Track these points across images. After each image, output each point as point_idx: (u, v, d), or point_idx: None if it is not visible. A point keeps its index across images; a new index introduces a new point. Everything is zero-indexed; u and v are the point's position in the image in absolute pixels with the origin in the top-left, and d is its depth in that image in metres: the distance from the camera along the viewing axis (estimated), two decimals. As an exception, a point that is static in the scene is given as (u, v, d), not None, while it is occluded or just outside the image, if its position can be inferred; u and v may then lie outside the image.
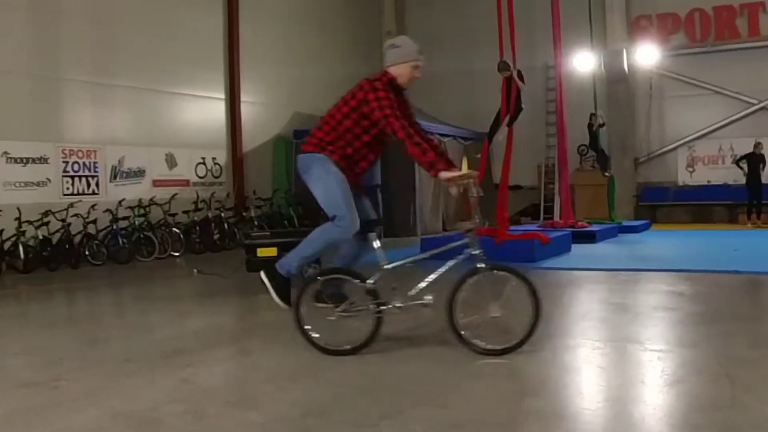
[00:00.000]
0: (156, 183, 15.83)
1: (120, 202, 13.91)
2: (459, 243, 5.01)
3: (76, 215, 13.18)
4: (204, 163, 17.11)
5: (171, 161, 16.38)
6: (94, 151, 14.43)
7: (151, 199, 14.61)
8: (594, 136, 16.84)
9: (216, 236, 15.02)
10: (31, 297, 10.02)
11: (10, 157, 13.25)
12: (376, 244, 5.10)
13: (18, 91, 13.44)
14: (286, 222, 16.81)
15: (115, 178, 14.84)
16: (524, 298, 4.64)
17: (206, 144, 17.33)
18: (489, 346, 4.68)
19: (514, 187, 18.13)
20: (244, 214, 16.44)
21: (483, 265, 4.70)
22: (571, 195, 16.33)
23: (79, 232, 12.99)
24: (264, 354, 5.35)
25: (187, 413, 3.68)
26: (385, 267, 4.96)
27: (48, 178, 13.74)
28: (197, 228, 14.89)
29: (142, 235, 13.64)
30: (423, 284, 4.89)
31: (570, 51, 18.14)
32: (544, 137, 20.93)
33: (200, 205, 15.77)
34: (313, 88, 19.74)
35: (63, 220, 12.90)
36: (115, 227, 13.39)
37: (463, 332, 4.71)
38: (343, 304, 4.88)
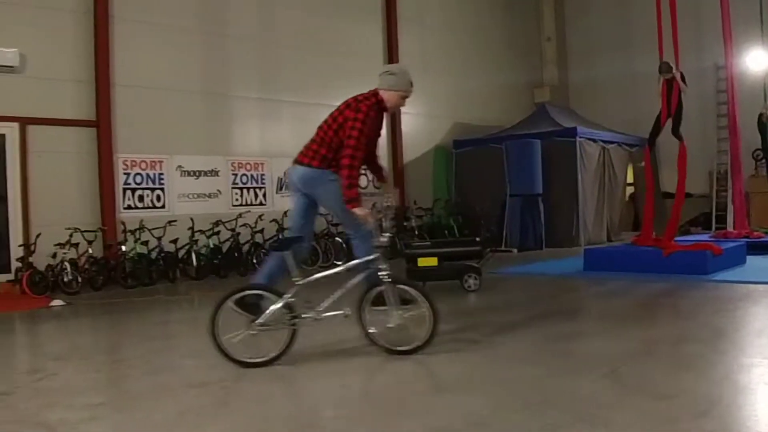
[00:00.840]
0: None
1: (285, 212, 13.83)
2: (367, 259, 5.44)
3: (244, 225, 13.56)
4: (365, 174, 16.15)
5: None
6: (261, 164, 14.81)
7: None
8: (763, 132, 15.70)
9: None
10: (202, 302, 10.11)
11: (184, 171, 13.87)
12: (290, 261, 5.20)
13: (192, 108, 14.08)
14: (446, 232, 16.58)
15: (280, 189, 15.17)
16: (424, 310, 5.09)
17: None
18: (395, 347, 5.21)
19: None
20: (405, 224, 16.31)
21: (386, 279, 5.14)
22: (745, 203, 15.51)
23: (247, 241, 13.32)
24: (424, 362, 5.21)
25: (346, 419, 3.71)
26: (299, 282, 5.12)
27: (219, 190, 14.29)
28: None
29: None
30: (333, 298, 5.19)
31: (741, 49, 17.07)
32: (715, 142, 19.64)
33: None
34: (472, 98, 19.77)
35: (232, 230, 13.33)
36: (281, 237, 13.50)
37: (370, 331, 5.31)
38: (260, 317, 5.03)
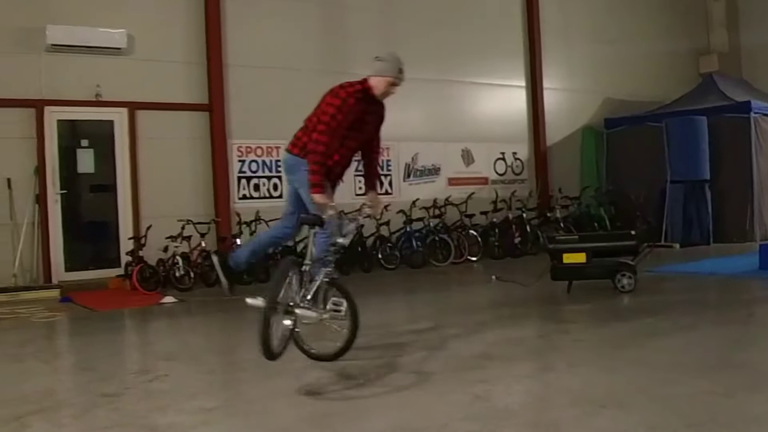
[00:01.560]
0: (451, 181, 15.73)
1: (414, 202, 13.80)
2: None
3: (368, 216, 12.66)
4: (503, 159, 16.97)
5: (467, 157, 16.16)
6: (387, 149, 14.24)
7: (446, 199, 14.37)
8: None
9: (517, 239, 14.56)
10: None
11: None
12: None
13: (311, 89, 12.69)
14: (596, 224, 15.96)
15: (408, 176, 14.83)
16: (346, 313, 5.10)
17: (506, 137, 16.92)
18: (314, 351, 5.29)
19: None
20: (548, 214, 16.09)
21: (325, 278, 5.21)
22: None
23: (371, 234, 12.90)
24: (569, 373, 5.11)
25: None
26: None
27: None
28: (496, 230, 14.50)
29: (437, 238, 13.39)
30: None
31: None
32: None
33: (499, 205, 15.39)
34: (625, 70, 19.01)
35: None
36: (409, 229, 13.28)
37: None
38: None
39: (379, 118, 6.35)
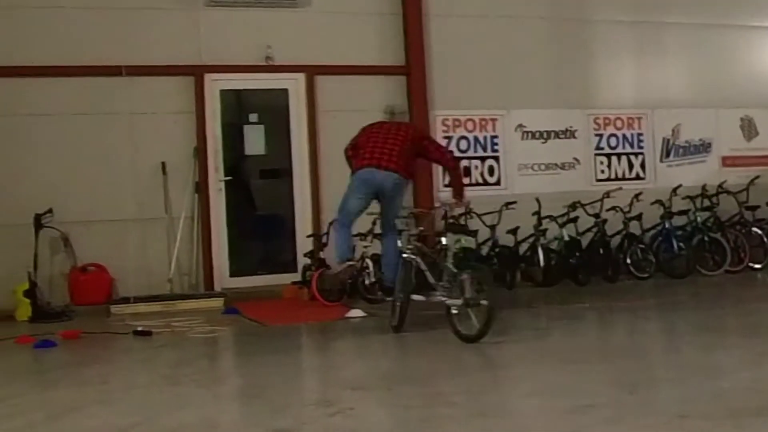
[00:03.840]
0: (726, 161, 13.15)
1: (675, 189, 11.57)
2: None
3: (613, 208, 11.03)
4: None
5: (749, 129, 13.30)
6: (638, 119, 12.27)
7: (719, 185, 12.10)
8: None
9: None
10: (552, 319, 8.80)
11: (527, 131, 11.71)
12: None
13: (536, 43, 11.92)
14: None
15: (667, 155, 12.53)
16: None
17: None
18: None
19: None
20: None
21: None
22: None
23: (617, 232, 10.86)
24: None
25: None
26: None
27: (576, 158, 11.86)
28: None
29: (706, 238, 11.22)
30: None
31: None
32: None
33: None
34: None
35: (596, 216, 10.86)
36: (668, 226, 11.15)
37: None
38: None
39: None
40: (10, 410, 4.80)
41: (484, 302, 6.49)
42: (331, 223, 9.85)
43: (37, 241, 9.17)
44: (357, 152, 7.92)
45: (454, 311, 6.75)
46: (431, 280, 7.27)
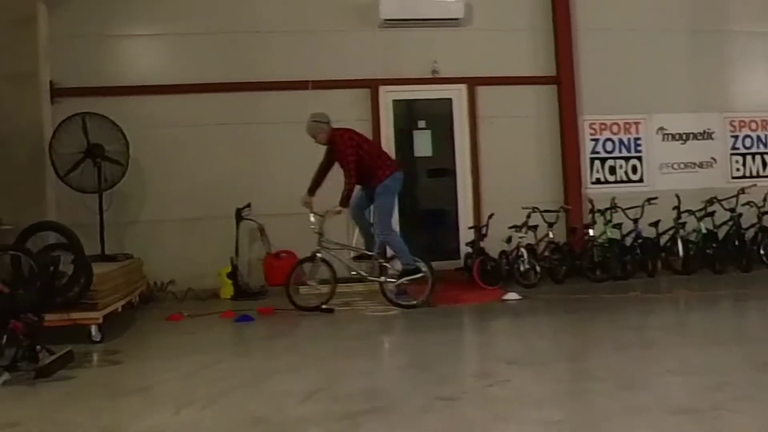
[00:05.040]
0: None
1: None
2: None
3: (748, 203, 11.36)
4: None
5: None
6: None
7: None
8: None
9: None
10: (690, 304, 9.05)
11: (667, 134, 11.96)
12: None
13: (676, 52, 12.21)
14: None
15: None
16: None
17: None
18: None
19: None
20: None
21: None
22: None
23: (751, 225, 11.06)
24: None
25: None
26: None
27: (713, 158, 12.06)
28: None
29: None
30: None
31: None
32: None
33: None
34: None
35: (731, 210, 11.02)
36: None
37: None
38: None
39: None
40: (215, 374, 5.43)
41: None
42: (490, 216, 10.34)
43: (238, 231, 10.02)
44: (376, 160, 8.55)
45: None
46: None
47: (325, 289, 8.90)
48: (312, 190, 8.88)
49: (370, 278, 9.04)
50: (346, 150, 8.61)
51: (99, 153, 9.88)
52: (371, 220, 8.98)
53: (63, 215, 10.00)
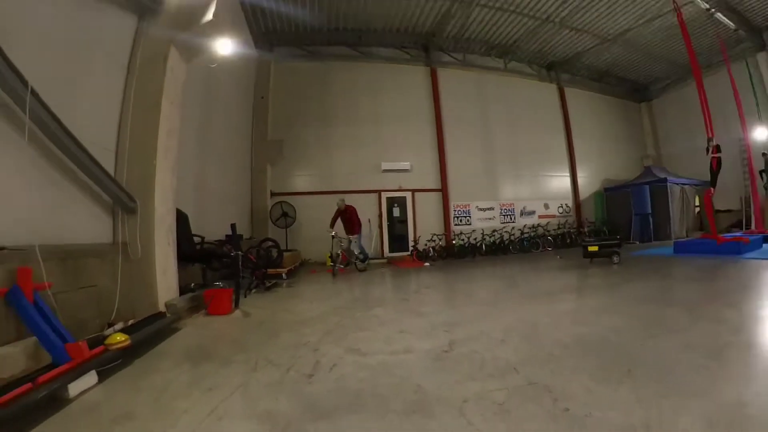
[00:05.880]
0: (540, 216, 23.64)
1: (524, 227, 22.71)
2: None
3: (519, 230, 21.42)
4: (562, 206, 24.85)
5: (546, 206, 23.75)
6: (512, 204, 22.90)
7: (538, 225, 22.91)
8: (765, 167, 19.67)
9: (568, 240, 22.18)
10: (505, 261, 15.24)
11: (480, 208, 21.67)
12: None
13: (483, 174, 21.96)
14: (602, 233, 22.76)
15: (521, 215, 23.29)
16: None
17: (561, 196, 24.34)
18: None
19: (726, 210, 23.27)
20: (582, 230, 23.32)
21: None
22: (761, 214, 19.42)
23: (517, 238, 21.38)
24: (590, 297, 7.66)
25: None
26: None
27: (494, 216, 22.15)
28: (559, 236, 22.22)
29: (538, 240, 21.31)
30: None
31: (750, 124, 20.13)
32: (743, 179, 22.80)
33: (561, 227, 23.19)
34: (612, 167, 26.54)
35: (501, 232, 21.25)
36: (524, 235, 21.79)
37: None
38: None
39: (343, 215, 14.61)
40: (330, 290, 10.61)
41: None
42: (418, 237, 19.95)
43: (332, 244, 19.35)
44: (357, 222, 15.55)
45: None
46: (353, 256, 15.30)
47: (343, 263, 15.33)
48: (332, 225, 15.37)
49: (354, 260, 15.73)
50: (351, 215, 15.29)
51: (287, 215, 17.97)
52: (350, 246, 15.60)
53: (274, 234, 17.54)
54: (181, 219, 10.22)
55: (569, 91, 25.76)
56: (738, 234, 17.36)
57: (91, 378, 5.76)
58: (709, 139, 14.72)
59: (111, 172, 8.61)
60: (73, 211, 7.94)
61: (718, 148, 14.78)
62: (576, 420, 4.09)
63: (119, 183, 8.66)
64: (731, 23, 19.99)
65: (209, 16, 9.41)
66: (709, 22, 20.03)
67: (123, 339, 6.66)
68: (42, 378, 5.46)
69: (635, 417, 4.03)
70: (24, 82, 6.51)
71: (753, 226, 19.50)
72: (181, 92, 9.72)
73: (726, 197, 21.74)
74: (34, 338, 6.15)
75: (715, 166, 14.89)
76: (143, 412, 4.83)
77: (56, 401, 5.15)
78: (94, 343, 6.47)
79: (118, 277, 8.31)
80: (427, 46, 22.32)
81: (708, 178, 15.70)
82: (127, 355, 6.38)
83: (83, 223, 8.17)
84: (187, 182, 11.68)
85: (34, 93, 6.61)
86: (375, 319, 7.56)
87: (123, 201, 8.73)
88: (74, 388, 5.50)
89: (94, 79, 8.46)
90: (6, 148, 6.52)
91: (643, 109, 29.59)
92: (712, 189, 15.29)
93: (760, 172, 19.93)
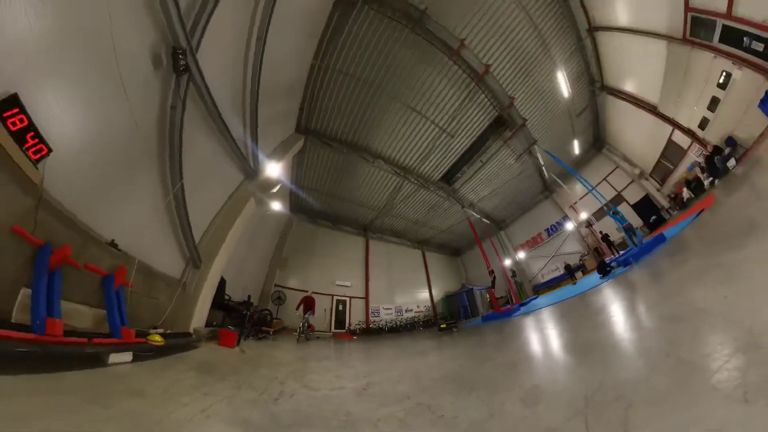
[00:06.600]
0: (415, 312, 34.55)
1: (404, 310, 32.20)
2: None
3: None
4: (426, 306, 35.16)
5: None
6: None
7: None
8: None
9: (430, 323, 30.69)
10: None
11: (399, 307, 30.44)
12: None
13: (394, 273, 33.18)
14: (446, 318, 30.62)
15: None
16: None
17: (424, 302, 34.67)
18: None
19: (501, 297, 33.11)
20: (436, 317, 32.46)
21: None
22: (516, 296, 29.64)
23: None
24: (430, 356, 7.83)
25: None
26: None
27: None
28: (425, 322, 30.86)
29: None
30: None
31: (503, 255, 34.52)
32: (504, 282, 32.63)
33: (425, 317, 33.47)
34: (449, 284, 39.96)
35: None
36: None
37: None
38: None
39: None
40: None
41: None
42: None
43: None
44: (312, 305, 19.85)
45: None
46: None
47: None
48: (297, 308, 20.28)
49: (304, 333, 18.36)
50: (311, 302, 19.58)
51: (280, 298, 25.47)
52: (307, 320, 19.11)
53: (270, 307, 23.94)
54: (222, 282, 13.76)
55: (427, 253, 40.66)
56: (508, 306, 26.18)
57: (127, 356, 6.77)
58: (489, 268, 25.91)
59: (196, 241, 11.96)
60: (167, 251, 10.80)
61: (492, 272, 25.75)
62: (449, 421, 5.54)
63: (198, 250, 11.64)
64: (485, 219, 34.34)
65: (275, 189, 15.45)
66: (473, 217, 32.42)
67: (159, 340, 7.86)
68: (96, 340, 6.64)
69: (483, 411, 5.63)
70: (181, 176, 9.98)
71: (513, 302, 28.91)
72: (248, 220, 14.84)
73: (499, 291, 32.43)
74: (105, 312, 7.83)
75: (492, 279, 26.28)
76: (153, 394, 5.71)
77: (98, 361, 6.11)
78: (140, 334, 7.81)
79: (173, 301, 10.43)
80: (365, 228, 36.11)
81: (490, 285, 26.90)
82: (158, 352, 7.53)
83: (168, 260, 11.04)
84: (234, 265, 16.97)
85: (182, 184, 10.01)
86: (322, 367, 9.07)
87: (195, 259, 11.72)
88: (114, 357, 6.48)
89: (209, 195, 12.86)
90: (155, 202, 10.08)
91: (460, 260, 44.70)
92: (492, 290, 26.54)
93: (512, 276, 32.53)
